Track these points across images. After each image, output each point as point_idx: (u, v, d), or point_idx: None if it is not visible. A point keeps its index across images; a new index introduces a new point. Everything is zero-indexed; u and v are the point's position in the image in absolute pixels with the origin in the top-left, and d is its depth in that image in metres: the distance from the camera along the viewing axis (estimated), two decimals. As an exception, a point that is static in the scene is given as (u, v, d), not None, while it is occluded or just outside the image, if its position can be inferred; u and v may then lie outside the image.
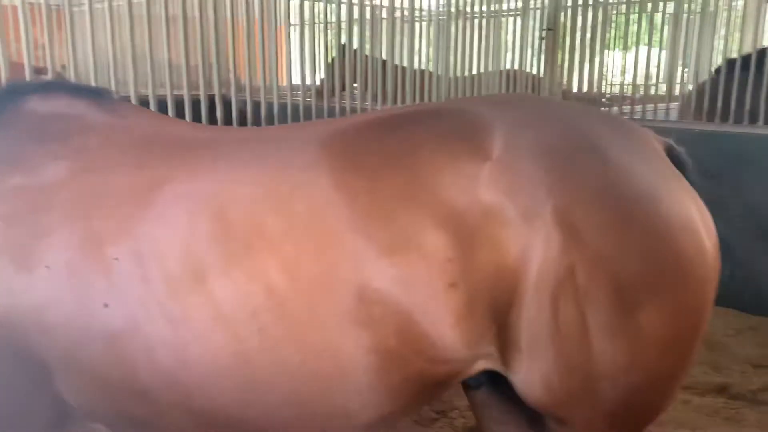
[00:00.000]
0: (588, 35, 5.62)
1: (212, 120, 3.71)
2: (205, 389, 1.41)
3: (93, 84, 3.23)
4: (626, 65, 6.08)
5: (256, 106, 4.03)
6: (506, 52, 6.11)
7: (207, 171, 1.48)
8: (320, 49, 6.24)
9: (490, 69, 5.69)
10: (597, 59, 5.66)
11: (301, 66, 4.74)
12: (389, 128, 1.50)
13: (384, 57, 5.11)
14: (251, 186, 1.44)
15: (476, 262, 1.36)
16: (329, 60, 5.68)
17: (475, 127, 1.46)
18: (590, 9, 5.57)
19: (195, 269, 1.38)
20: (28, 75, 2.93)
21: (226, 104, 3.91)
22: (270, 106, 4.05)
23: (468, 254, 1.36)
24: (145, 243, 1.41)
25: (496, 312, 1.40)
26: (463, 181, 1.38)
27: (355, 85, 5.22)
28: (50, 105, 1.64)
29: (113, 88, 3.21)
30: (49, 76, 3.08)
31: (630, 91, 5.98)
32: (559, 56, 5.93)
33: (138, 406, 1.46)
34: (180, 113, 3.38)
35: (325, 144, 1.48)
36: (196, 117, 3.53)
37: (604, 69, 5.97)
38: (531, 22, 5.96)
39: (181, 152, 1.54)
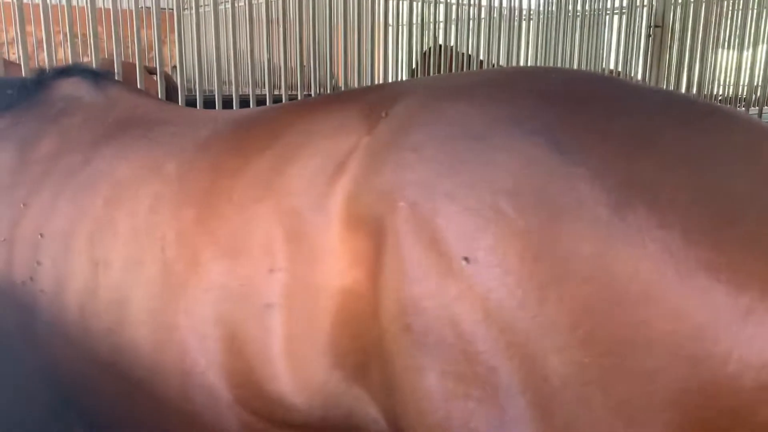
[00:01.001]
0: (700, 32, 5.30)
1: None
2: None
3: (197, 82, 3.38)
4: (743, 65, 5.68)
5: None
6: (609, 51, 5.86)
7: (122, 148, 1.50)
8: (417, 49, 6.25)
9: (590, 69, 5.48)
10: (709, 58, 5.32)
11: (397, 65, 4.75)
12: (282, 115, 1.33)
13: (481, 57, 5.04)
14: (129, 168, 1.43)
15: (309, 279, 1.09)
16: (422, 55, 5.67)
17: (359, 115, 1.17)
18: (703, 4, 5.24)
19: (66, 247, 1.41)
20: (138, 74, 3.12)
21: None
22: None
23: (301, 268, 1.10)
24: (48, 219, 1.47)
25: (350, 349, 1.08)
26: (310, 178, 1.13)
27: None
28: (64, 87, 1.78)
29: (216, 87, 3.36)
30: (158, 76, 3.25)
31: (746, 93, 5.59)
32: (667, 56, 5.62)
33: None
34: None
35: (214, 130, 1.41)
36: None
37: (717, 69, 5.59)
38: (637, 20, 5.68)
39: (121, 132, 1.57)
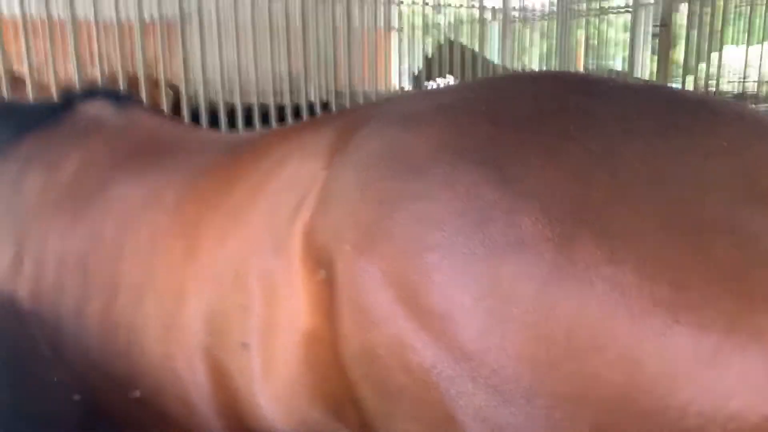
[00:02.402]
0: (707, 30, 5.25)
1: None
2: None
3: (202, 92, 3.41)
4: (749, 62, 5.63)
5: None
6: (614, 50, 5.83)
7: (135, 174, 1.52)
8: (421, 54, 6.25)
9: (594, 69, 5.45)
10: (716, 55, 5.27)
11: (399, 70, 4.76)
12: (265, 142, 1.32)
13: (487, 57, 5.04)
14: (138, 196, 1.45)
15: (277, 321, 1.07)
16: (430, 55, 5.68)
17: (324, 142, 1.14)
18: (709, 1, 5.20)
19: (77, 268, 1.45)
20: (144, 87, 3.15)
21: (327, 111, 4.00)
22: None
23: (269, 309, 1.08)
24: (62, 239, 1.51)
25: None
26: (276, 214, 1.10)
27: (450, 76, 5.18)
28: (89, 109, 1.82)
29: (221, 96, 3.38)
30: (162, 88, 3.28)
31: (755, 90, 5.54)
32: (674, 54, 5.58)
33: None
34: (282, 121, 3.50)
35: (211, 158, 1.41)
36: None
37: (724, 66, 5.54)
38: (642, 18, 5.65)
39: (136, 158, 1.58)
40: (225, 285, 1.15)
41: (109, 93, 1.90)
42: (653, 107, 0.94)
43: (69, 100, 1.89)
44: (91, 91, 1.93)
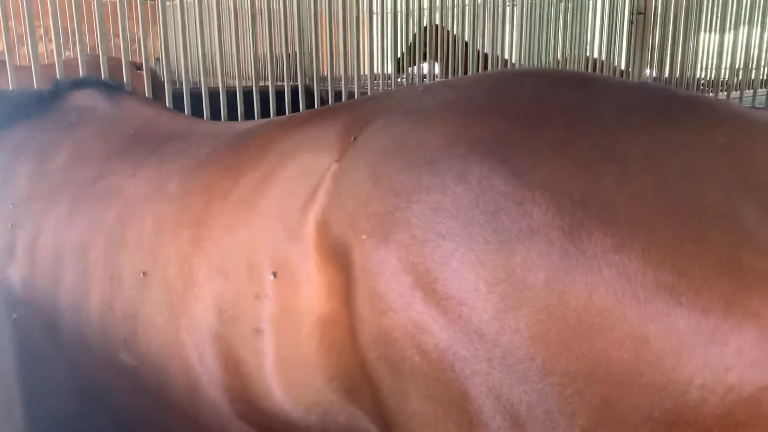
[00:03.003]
0: (682, 18, 5.34)
1: (295, 110, 3.78)
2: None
3: (183, 75, 3.36)
4: (725, 48, 5.74)
5: (338, 95, 4.08)
6: (593, 38, 5.88)
7: (134, 164, 1.52)
8: (402, 38, 6.24)
9: (574, 55, 5.50)
10: (691, 42, 5.36)
11: (382, 55, 4.75)
12: (270, 132, 1.34)
13: (467, 41, 5.05)
14: (138, 186, 1.45)
15: (293, 306, 1.11)
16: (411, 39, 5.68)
17: (330, 138, 1.19)
18: (685, -11, 5.28)
19: (77, 256, 1.46)
20: (124, 68, 3.09)
21: (309, 95, 3.98)
22: (351, 95, 4.09)
23: (285, 295, 1.11)
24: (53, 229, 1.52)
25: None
26: (288, 203, 1.14)
27: (435, 64, 5.20)
28: (79, 98, 1.82)
29: (202, 79, 3.34)
30: (143, 69, 3.23)
31: (728, 77, 5.65)
32: (650, 42, 5.66)
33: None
34: (265, 104, 3.47)
35: (214, 148, 1.42)
36: (280, 108, 3.62)
37: (699, 53, 5.64)
38: (619, 5, 5.71)
39: (133, 147, 1.59)
40: (237, 273, 1.17)
41: (99, 82, 1.88)
42: (651, 103, 1.00)
43: (57, 89, 1.86)
44: (79, 81, 1.90)
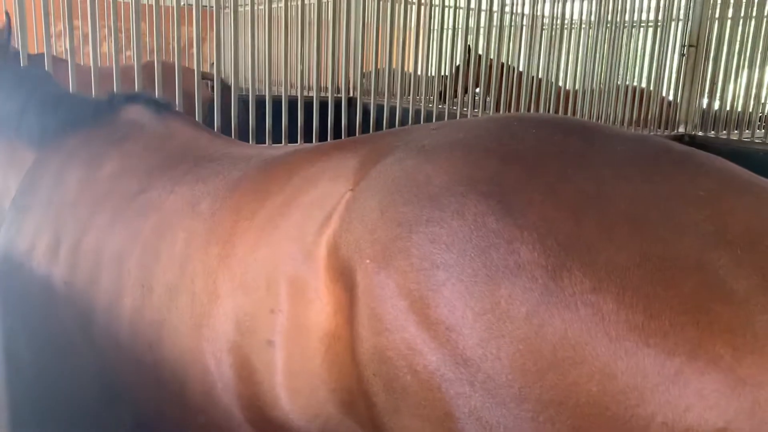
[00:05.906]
0: (735, 52, 5.25)
1: (337, 121, 3.88)
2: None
3: (234, 81, 3.49)
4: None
5: (380, 109, 4.17)
6: (637, 67, 5.82)
7: (172, 182, 1.62)
8: (448, 56, 6.29)
9: (616, 83, 5.44)
10: (745, 75, 5.26)
11: (426, 71, 4.81)
12: (296, 159, 1.43)
13: (521, 67, 5.05)
14: (174, 202, 1.54)
15: (303, 321, 1.19)
16: (455, 66, 5.72)
17: (346, 167, 1.28)
18: (741, 21, 5.20)
19: (108, 268, 1.56)
20: (177, 72, 3.24)
21: (353, 107, 4.08)
22: (393, 109, 4.17)
23: (296, 311, 1.20)
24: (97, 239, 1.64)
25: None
26: (306, 226, 1.23)
27: (477, 90, 5.24)
28: (130, 113, 1.95)
29: (251, 86, 3.47)
30: (196, 75, 3.37)
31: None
32: (701, 75, 5.57)
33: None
34: (308, 114, 3.58)
35: (245, 171, 1.50)
36: (323, 118, 3.72)
37: (753, 87, 5.52)
38: (670, 35, 5.64)
39: (173, 165, 1.69)
40: (257, 288, 1.27)
41: (149, 100, 2.00)
42: (643, 156, 1.08)
43: (112, 101, 1.99)
44: (132, 96, 2.03)
